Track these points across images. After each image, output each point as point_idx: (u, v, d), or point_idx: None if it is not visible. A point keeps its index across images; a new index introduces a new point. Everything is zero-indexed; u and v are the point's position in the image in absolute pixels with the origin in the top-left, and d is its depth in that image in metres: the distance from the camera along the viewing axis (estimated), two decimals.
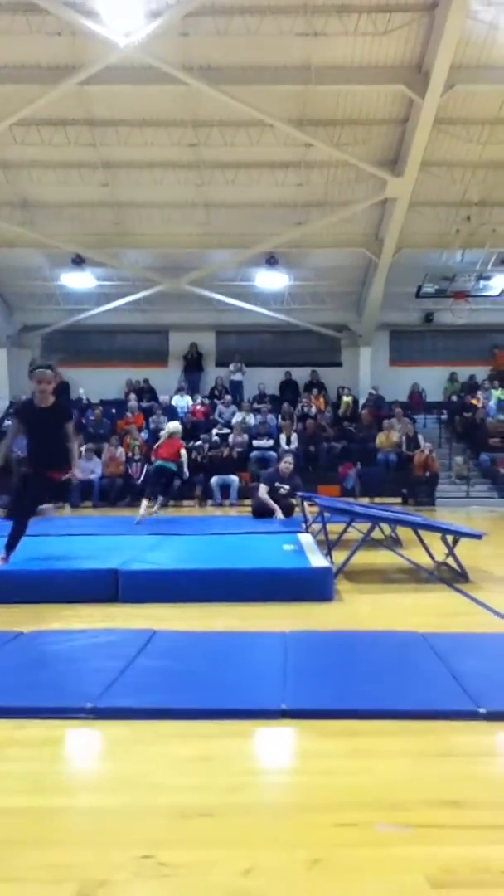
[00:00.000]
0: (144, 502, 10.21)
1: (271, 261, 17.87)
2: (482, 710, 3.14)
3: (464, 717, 3.12)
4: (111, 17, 11.61)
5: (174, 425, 10.94)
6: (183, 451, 10.21)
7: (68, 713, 3.20)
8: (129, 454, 15.43)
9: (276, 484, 10.39)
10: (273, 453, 15.15)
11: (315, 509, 9.25)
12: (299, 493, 10.44)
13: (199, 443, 15.87)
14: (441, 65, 12.00)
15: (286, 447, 16.11)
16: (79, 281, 18.35)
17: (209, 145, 14.97)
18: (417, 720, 3.12)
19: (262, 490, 10.27)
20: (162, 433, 10.98)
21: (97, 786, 2.61)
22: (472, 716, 3.13)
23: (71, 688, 3.42)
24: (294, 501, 10.50)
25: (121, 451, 15.44)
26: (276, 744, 3.03)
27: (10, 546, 5.94)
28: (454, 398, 19.42)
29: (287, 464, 10.55)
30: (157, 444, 10.72)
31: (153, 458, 10.59)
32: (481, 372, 19.98)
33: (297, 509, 10.51)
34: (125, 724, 3.10)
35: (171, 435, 10.43)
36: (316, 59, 12.80)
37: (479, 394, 18.97)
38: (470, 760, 2.76)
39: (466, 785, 2.54)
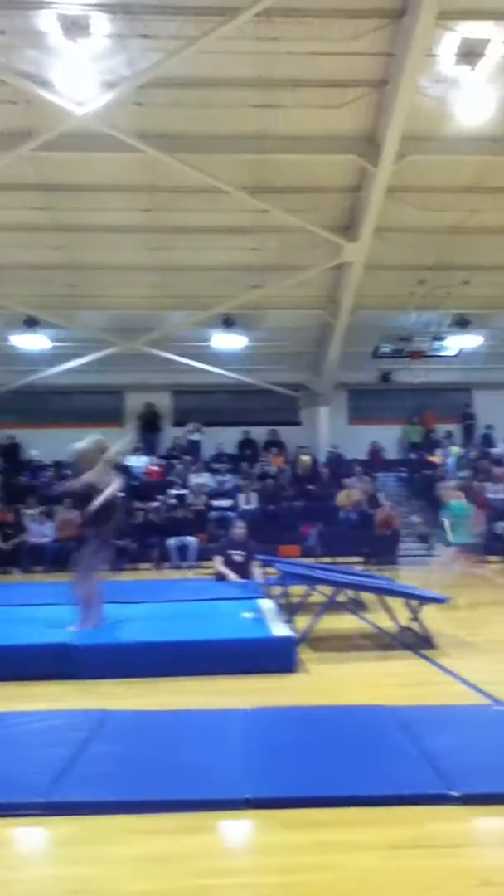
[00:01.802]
0: None
1: (228, 322, 17.95)
2: (456, 794, 2.98)
3: (437, 802, 2.95)
4: (66, 87, 11.76)
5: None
6: None
7: (14, 809, 2.95)
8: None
9: (229, 551, 10.24)
10: (232, 513, 14.98)
11: (276, 571, 9.07)
12: (260, 557, 10.24)
13: (155, 504, 15.62)
14: (392, 136, 12.34)
15: (245, 507, 15.96)
16: (31, 342, 18.16)
17: (165, 210, 15.10)
18: (388, 806, 2.94)
19: (217, 561, 10.19)
20: None
21: None
22: (445, 800, 2.96)
23: (18, 780, 3.18)
24: (257, 570, 10.27)
25: (75, 513, 15.07)
26: (238, 839, 2.83)
27: None
28: (413, 455, 19.57)
29: (240, 529, 10.44)
30: None
31: None
32: (440, 430, 20.20)
33: (256, 572, 10.29)
34: (76, 821, 2.87)
35: None
36: (270, 129, 13.06)
37: (438, 451, 19.14)
38: (445, 852, 2.59)
39: (442, 882, 2.36)
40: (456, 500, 10.64)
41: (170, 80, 12.12)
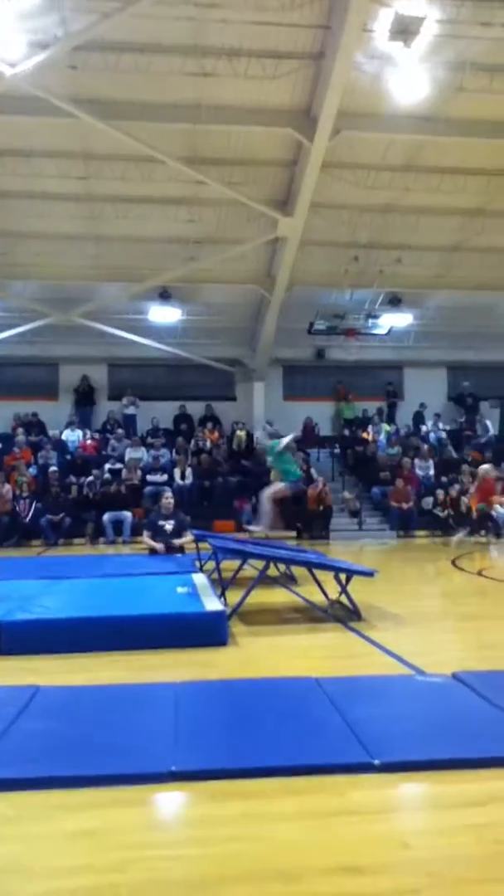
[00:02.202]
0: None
1: (164, 295, 17.83)
2: (377, 762, 3.08)
3: (359, 771, 3.05)
4: None
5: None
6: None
7: None
8: (17, 491, 14.84)
9: (160, 523, 10.35)
10: (167, 488, 14.95)
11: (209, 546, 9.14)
12: (194, 532, 10.32)
13: (90, 478, 15.47)
14: (328, 111, 12.38)
15: (181, 482, 15.95)
16: None
17: (100, 178, 14.84)
18: (312, 776, 3.03)
19: (145, 535, 10.38)
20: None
21: None
22: (367, 768, 3.06)
23: None
24: (187, 537, 10.37)
25: (7, 488, 14.83)
26: (164, 811, 2.87)
27: None
28: (346, 432, 19.83)
29: (167, 499, 10.56)
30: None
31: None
32: (371, 407, 20.51)
33: (187, 538, 10.38)
34: (2, 798, 2.86)
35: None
36: (206, 98, 12.94)
37: (370, 428, 19.47)
38: (366, 819, 2.69)
39: (364, 848, 2.46)
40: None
41: (104, 44, 11.86)
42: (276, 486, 9.33)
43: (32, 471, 15.97)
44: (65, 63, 11.97)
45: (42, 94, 12.00)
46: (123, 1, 10.83)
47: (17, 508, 14.52)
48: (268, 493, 9.43)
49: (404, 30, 11.21)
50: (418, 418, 20.33)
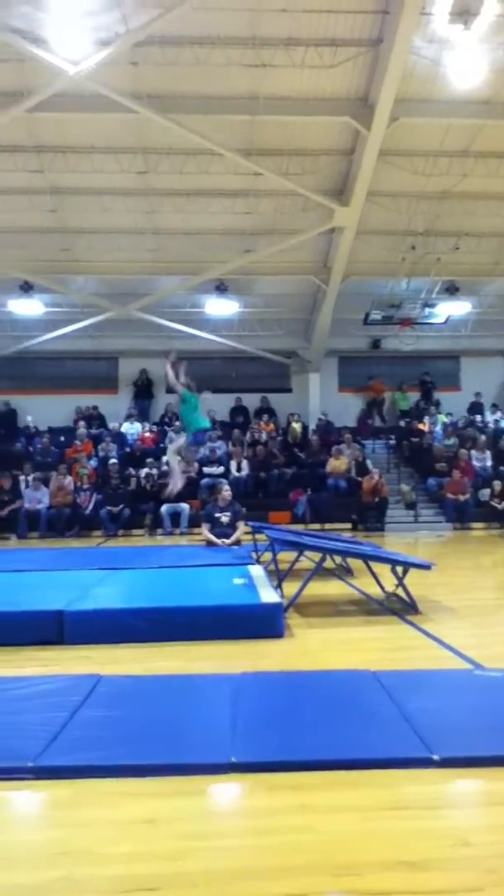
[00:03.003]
0: None
1: (221, 288, 17.87)
2: (436, 757, 3.07)
3: (417, 766, 3.05)
4: (60, 45, 11.54)
5: None
6: None
7: (6, 773, 3.04)
8: (78, 483, 15.12)
9: (216, 514, 10.46)
10: (224, 480, 15.04)
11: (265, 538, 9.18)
12: (249, 523, 10.40)
13: (149, 470, 15.65)
14: (386, 98, 12.21)
15: (236, 474, 16.02)
16: (26, 307, 18.05)
17: (158, 173, 14.95)
18: (369, 769, 3.04)
19: (204, 528, 10.48)
20: None
21: (31, 858, 2.46)
22: (425, 763, 3.06)
23: (10, 745, 3.26)
24: (244, 528, 10.47)
25: (69, 479, 15.11)
26: (222, 802, 2.92)
27: None
28: (402, 423, 19.62)
29: (226, 492, 10.75)
30: None
31: None
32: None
33: (246, 537, 10.47)
34: (67, 784, 2.96)
35: None
36: (263, 90, 12.90)
37: (426, 419, 19.22)
38: (423, 815, 2.69)
39: (420, 843, 2.46)
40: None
41: (163, 39, 11.95)
42: (178, 441, 9.29)
43: (93, 463, 16.25)
44: (126, 59, 12.09)
45: (104, 91, 12.16)
46: None
47: (78, 500, 14.81)
48: (171, 448, 9.28)
49: (464, 11, 10.98)
50: (475, 408, 19.98)
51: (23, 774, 3.01)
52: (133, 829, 2.60)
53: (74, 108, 12.97)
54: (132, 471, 15.97)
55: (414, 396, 20.42)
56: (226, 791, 2.95)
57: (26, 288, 17.39)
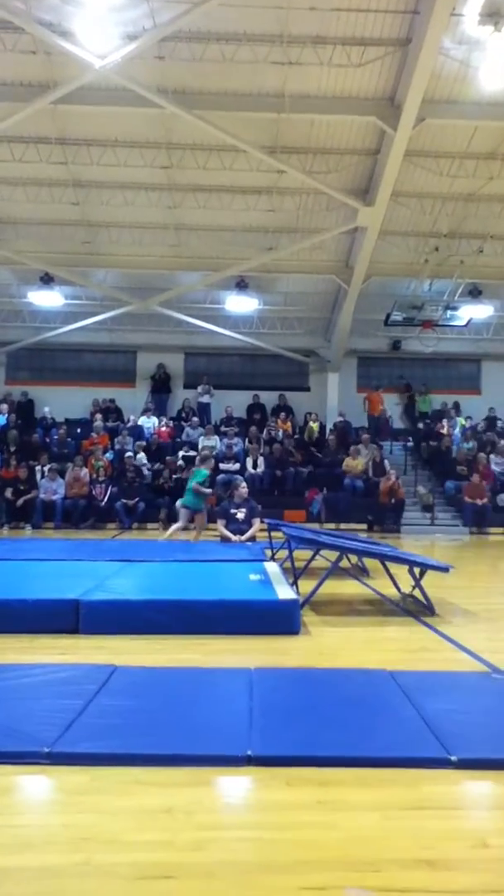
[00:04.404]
0: None
1: (241, 284, 17.88)
2: (454, 758, 3.05)
3: (435, 766, 3.03)
4: (87, 38, 11.57)
5: None
6: None
7: (22, 758, 3.05)
8: (94, 475, 15.17)
9: (232, 510, 10.45)
10: (240, 476, 15.05)
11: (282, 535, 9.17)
12: (266, 521, 10.38)
13: (165, 465, 15.69)
14: (413, 98, 12.15)
15: (253, 471, 16.02)
16: (46, 299, 18.14)
17: (182, 168, 14.97)
18: (387, 768, 3.02)
19: (220, 524, 10.47)
20: None
21: (50, 842, 2.46)
22: (443, 764, 3.04)
23: (26, 730, 3.26)
24: (259, 525, 10.45)
25: (85, 471, 15.18)
26: (241, 794, 2.91)
27: None
28: (420, 425, 19.54)
29: (243, 489, 10.75)
30: None
31: None
32: (449, 399, 20.15)
33: (261, 534, 10.45)
34: (83, 771, 2.96)
35: None
36: (290, 87, 12.87)
37: (445, 421, 19.12)
38: (443, 815, 2.67)
39: (439, 843, 2.44)
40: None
41: (191, 34, 11.95)
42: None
43: (109, 455, 16.30)
44: (152, 54, 12.10)
45: (129, 85, 12.17)
46: None
47: (94, 492, 14.86)
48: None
49: (495, 12, 10.93)
50: (492, 423, 19.82)
51: (39, 759, 3.01)
52: (150, 818, 2.60)
53: (100, 102, 13.01)
54: (148, 464, 16.04)
55: (437, 399, 20.30)
56: (243, 784, 2.94)
57: (47, 280, 17.49)
